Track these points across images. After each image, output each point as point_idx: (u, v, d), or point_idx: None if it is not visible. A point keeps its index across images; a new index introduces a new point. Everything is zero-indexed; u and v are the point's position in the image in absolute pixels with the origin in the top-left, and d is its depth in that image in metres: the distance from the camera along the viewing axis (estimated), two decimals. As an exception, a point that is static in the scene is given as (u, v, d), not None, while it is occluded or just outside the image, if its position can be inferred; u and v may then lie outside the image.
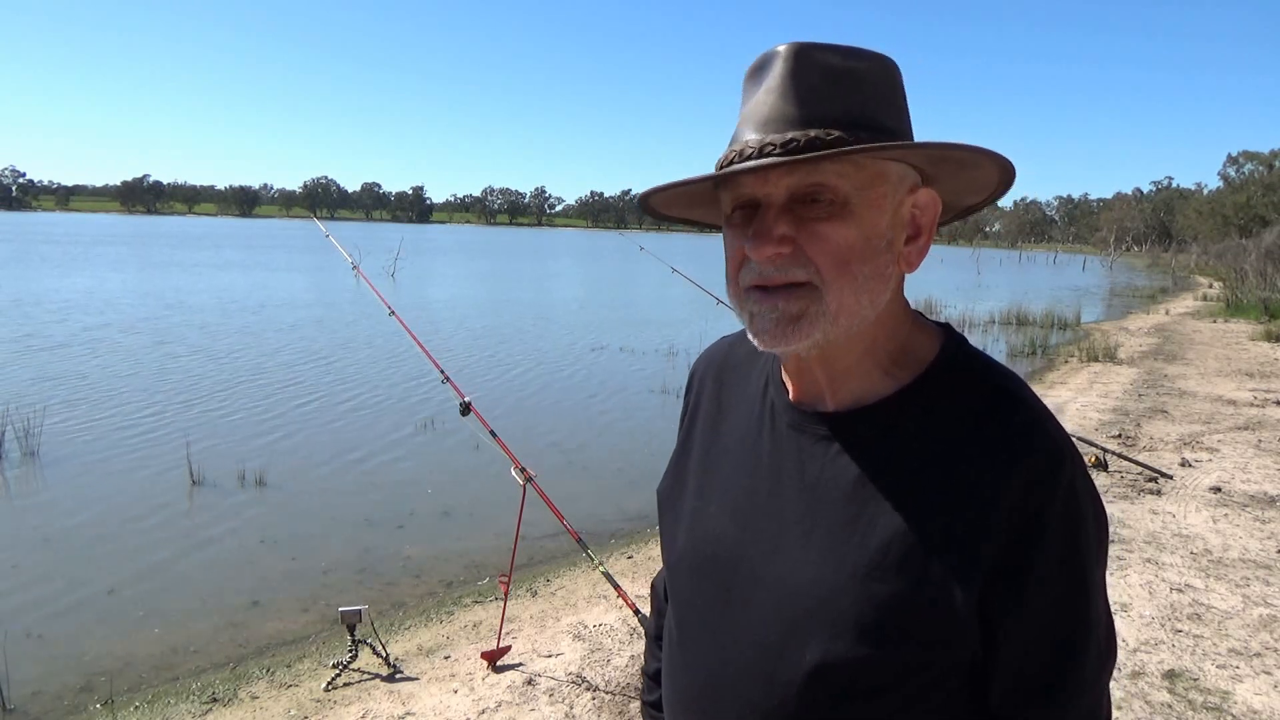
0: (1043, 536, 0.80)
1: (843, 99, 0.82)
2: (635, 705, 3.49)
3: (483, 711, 3.49)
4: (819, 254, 0.81)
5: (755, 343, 0.87)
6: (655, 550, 5.44)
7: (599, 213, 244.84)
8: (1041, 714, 0.83)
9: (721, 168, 0.84)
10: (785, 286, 0.83)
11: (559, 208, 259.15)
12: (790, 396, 0.94)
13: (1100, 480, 6.29)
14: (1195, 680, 3.54)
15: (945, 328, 0.94)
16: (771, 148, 0.80)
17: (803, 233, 0.81)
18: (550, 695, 3.59)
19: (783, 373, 0.96)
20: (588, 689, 3.64)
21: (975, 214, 1.01)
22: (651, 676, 1.18)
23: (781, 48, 0.84)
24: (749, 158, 0.81)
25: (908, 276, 0.91)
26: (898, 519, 0.82)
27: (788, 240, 0.81)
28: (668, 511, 1.05)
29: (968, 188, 0.92)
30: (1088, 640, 0.84)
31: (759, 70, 0.85)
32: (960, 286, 31.51)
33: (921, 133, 0.90)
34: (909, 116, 0.88)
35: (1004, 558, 0.80)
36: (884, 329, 0.89)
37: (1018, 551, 0.80)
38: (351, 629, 3.81)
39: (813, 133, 0.80)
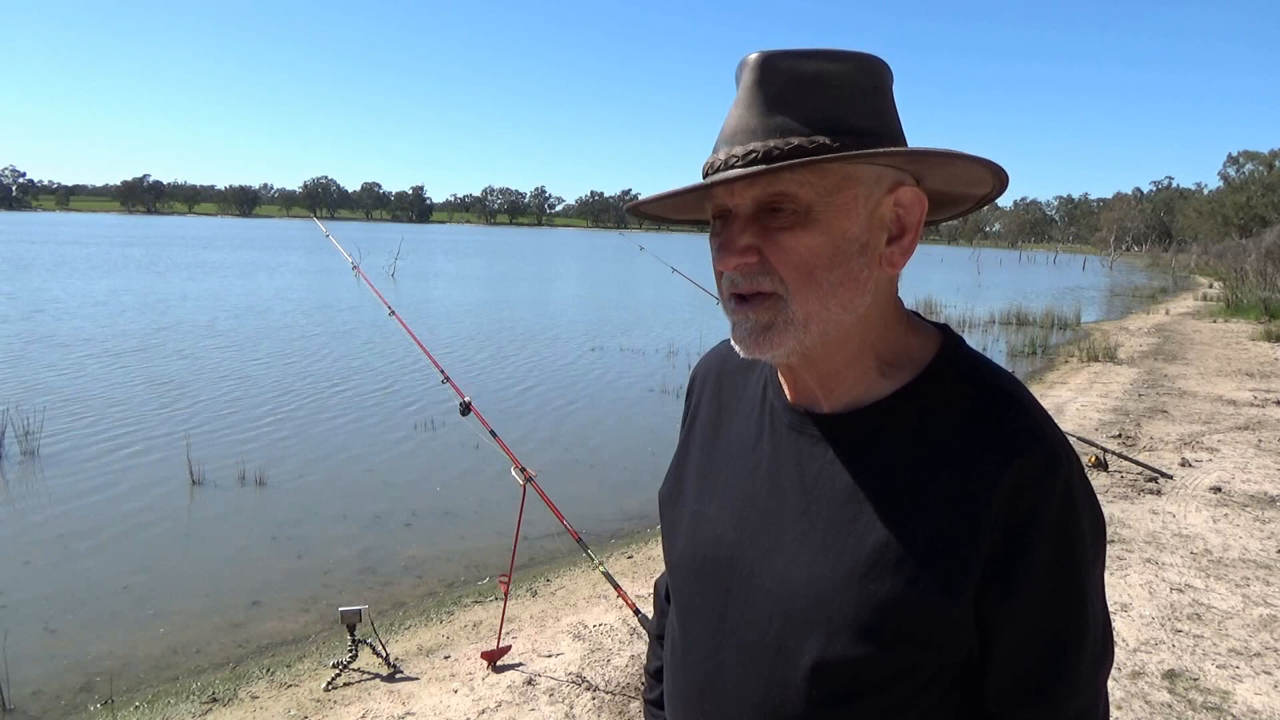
0: (1037, 536, 0.80)
1: (807, 105, 0.82)
2: (635, 705, 3.50)
3: (483, 711, 3.49)
4: (781, 263, 0.82)
5: (737, 349, 0.89)
6: (655, 550, 5.43)
7: (599, 213, 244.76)
8: (1036, 712, 0.84)
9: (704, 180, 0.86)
10: (755, 296, 0.84)
11: (559, 208, 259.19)
12: (789, 399, 0.95)
13: (1100, 480, 6.29)
14: (1195, 680, 3.54)
15: (943, 329, 0.94)
16: (735, 159, 0.81)
17: (767, 243, 0.83)
18: (550, 695, 3.60)
19: (780, 376, 0.97)
20: (588, 689, 3.64)
21: (986, 205, 1.01)
22: (653, 675, 1.19)
23: (751, 57, 0.84)
24: (718, 170, 0.83)
25: (908, 277, 0.91)
26: (894, 519, 0.83)
27: (751, 250, 0.83)
28: (668, 513, 1.06)
29: (962, 180, 0.91)
30: (1083, 640, 0.84)
31: (736, 80, 0.86)
32: (960, 286, 31.51)
33: (919, 132, 0.89)
34: (892, 115, 0.87)
35: (999, 557, 0.80)
36: (874, 330, 0.89)
37: (1012, 551, 0.80)
38: (351, 629, 3.81)
39: (771, 143, 0.80)
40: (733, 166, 0.81)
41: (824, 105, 0.82)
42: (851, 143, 0.81)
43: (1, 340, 12.71)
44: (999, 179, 0.90)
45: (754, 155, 0.80)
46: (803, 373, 0.91)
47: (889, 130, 0.86)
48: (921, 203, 0.88)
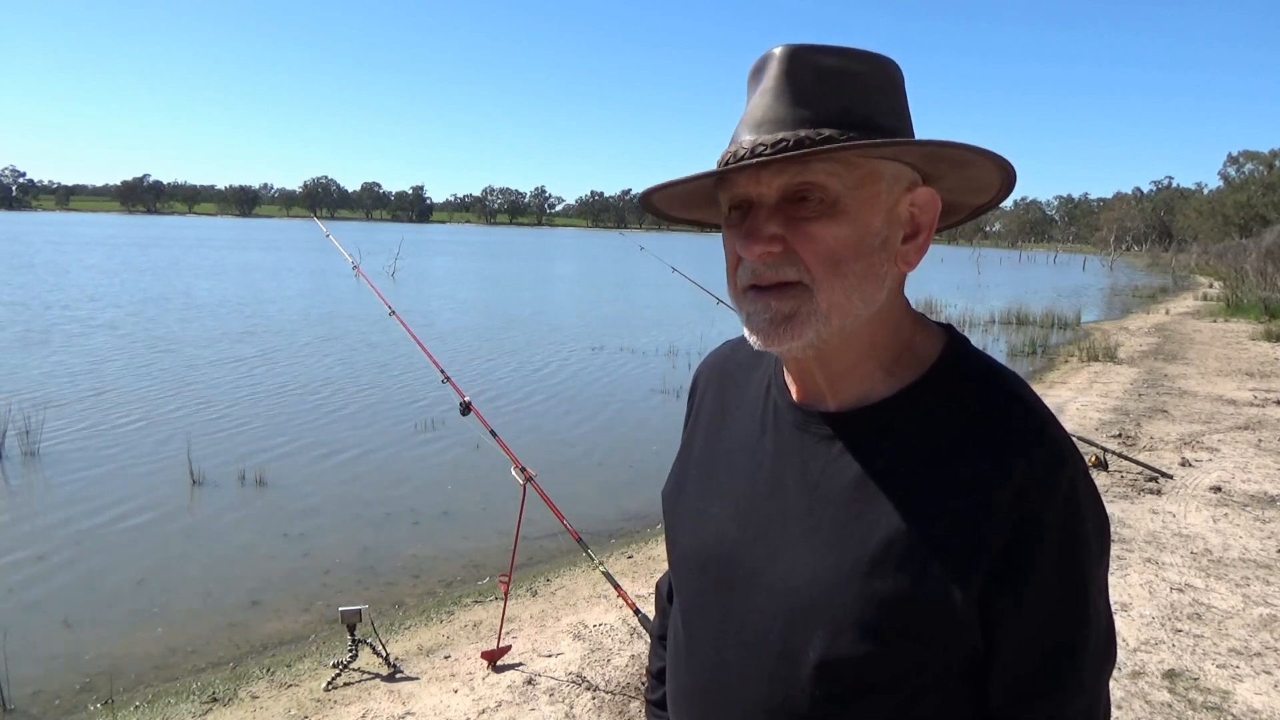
0: (1042, 537, 0.80)
1: (836, 99, 0.82)
2: (635, 705, 3.49)
3: (483, 711, 3.49)
4: (808, 253, 0.82)
5: (752, 342, 0.88)
6: (655, 550, 5.43)
7: (599, 212, 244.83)
8: (1039, 712, 0.84)
9: (720, 167, 0.86)
10: (778, 286, 0.83)
11: (559, 207, 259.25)
12: (793, 397, 0.95)
13: (1100, 480, 6.29)
14: (1195, 680, 3.54)
15: (948, 329, 0.94)
16: (762, 148, 0.81)
17: (793, 232, 0.82)
18: (550, 695, 3.60)
19: (784, 374, 0.97)
20: (588, 689, 3.64)
21: (985, 214, 1.01)
22: (655, 675, 1.19)
23: (777, 49, 0.85)
24: (742, 158, 0.82)
25: (909, 276, 0.91)
26: (898, 518, 0.83)
27: (778, 239, 0.82)
28: (672, 513, 1.06)
29: (970, 186, 0.92)
30: (1086, 640, 0.84)
31: (757, 72, 0.86)
32: (960, 286, 31.49)
33: (922, 131, 0.90)
34: (908, 115, 0.89)
35: (1004, 557, 0.80)
36: (884, 328, 0.89)
37: (1017, 551, 0.80)
38: (351, 629, 3.81)
39: (803, 132, 0.80)
40: (759, 154, 0.81)
41: (851, 101, 0.83)
42: (880, 139, 0.82)
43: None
44: (1002, 190, 0.92)
45: (784, 144, 0.80)
46: (813, 369, 0.90)
47: (906, 129, 0.87)
48: (935, 204, 0.89)
